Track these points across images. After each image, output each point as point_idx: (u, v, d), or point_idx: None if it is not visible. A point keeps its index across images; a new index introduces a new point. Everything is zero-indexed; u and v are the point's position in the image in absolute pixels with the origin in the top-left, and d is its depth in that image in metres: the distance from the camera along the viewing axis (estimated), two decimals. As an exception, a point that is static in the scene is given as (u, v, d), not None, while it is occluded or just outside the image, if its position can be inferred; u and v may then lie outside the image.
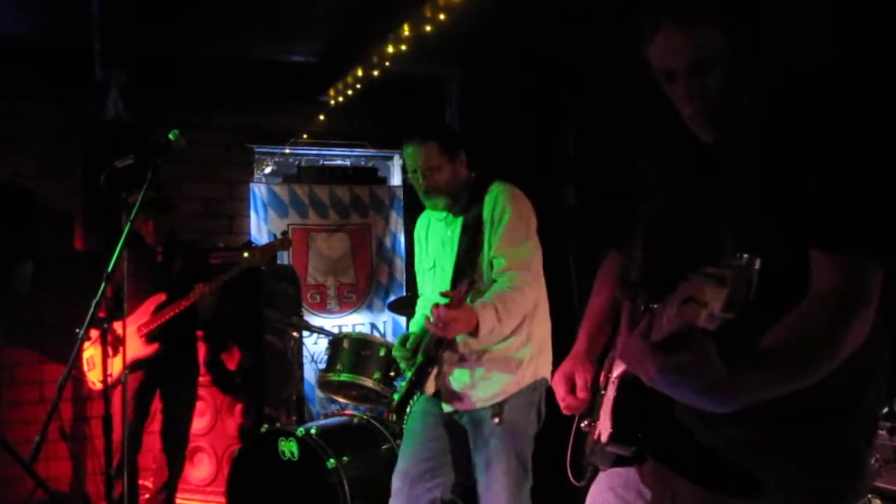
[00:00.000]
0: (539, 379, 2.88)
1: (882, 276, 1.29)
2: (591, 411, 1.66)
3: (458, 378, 2.85)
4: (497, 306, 2.67)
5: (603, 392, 1.61)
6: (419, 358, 2.81)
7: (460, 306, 2.60)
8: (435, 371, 2.83)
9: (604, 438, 1.48)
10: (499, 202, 2.83)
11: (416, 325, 3.12)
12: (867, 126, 1.33)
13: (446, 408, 2.89)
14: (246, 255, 3.95)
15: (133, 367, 3.91)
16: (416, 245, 3.17)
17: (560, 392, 1.70)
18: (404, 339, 2.91)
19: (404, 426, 3.12)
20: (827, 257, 1.30)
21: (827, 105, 1.34)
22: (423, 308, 3.10)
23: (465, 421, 2.88)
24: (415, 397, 2.98)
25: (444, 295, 2.67)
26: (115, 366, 3.64)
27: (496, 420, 2.78)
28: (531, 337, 2.87)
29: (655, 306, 1.30)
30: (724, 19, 1.30)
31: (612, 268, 1.83)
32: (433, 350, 2.79)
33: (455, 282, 2.84)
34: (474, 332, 2.65)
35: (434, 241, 3.04)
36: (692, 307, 1.10)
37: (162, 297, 4.04)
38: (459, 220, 2.92)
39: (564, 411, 1.72)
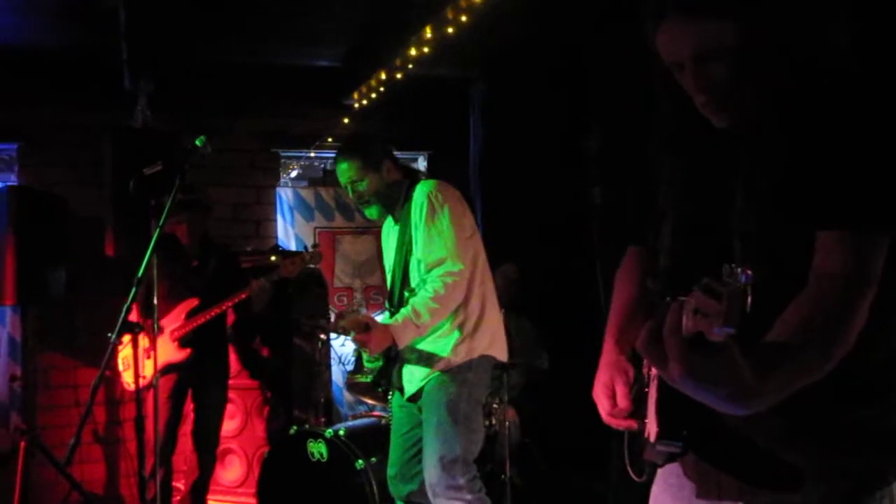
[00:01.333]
0: (475, 357, 3.02)
1: (887, 245, 1.29)
2: (639, 411, 1.65)
3: (404, 370, 3.09)
4: (411, 317, 2.89)
5: (646, 389, 1.60)
6: (380, 360, 3.11)
7: (366, 330, 2.87)
8: (395, 368, 3.12)
9: (652, 438, 1.48)
10: (418, 203, 3.03)
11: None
12: (874, 113, 1.32)
13: (403, 397, 3.12)
14: (283, 265, 3.96)
15: (166, 370, 3.96)
16: (383, 251, 3.39)
17: (605, 405, 1.64)
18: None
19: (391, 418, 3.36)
20: (831, 236, 1.29)
21: (839, 100, 1.34)
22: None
23: (418, 407, 3.08)
24: (390, 393, 3.30)
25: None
26: (148, 368, 3.69)
27: (425, 401, 3.00)
28: (464, 322, 3.02)
29: (671, 301, 1.30)
30: (729, 9, 1.29)
31: (631, 263, 1.81)
32: (386, 351, 3.04)
33: (393, 283, 3.13)
34: (394, 344, 2.91)
35: (388, 249, 3.27)
36: (699, 319, 1.12)
37: (194, 301, 4.07)
38: (398, 226, 3.15)
39: (611, 423, 1.65)
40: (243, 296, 3.95)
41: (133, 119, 4.85)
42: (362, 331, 2.87)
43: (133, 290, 2.93)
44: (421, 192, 3.05)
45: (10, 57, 4.72)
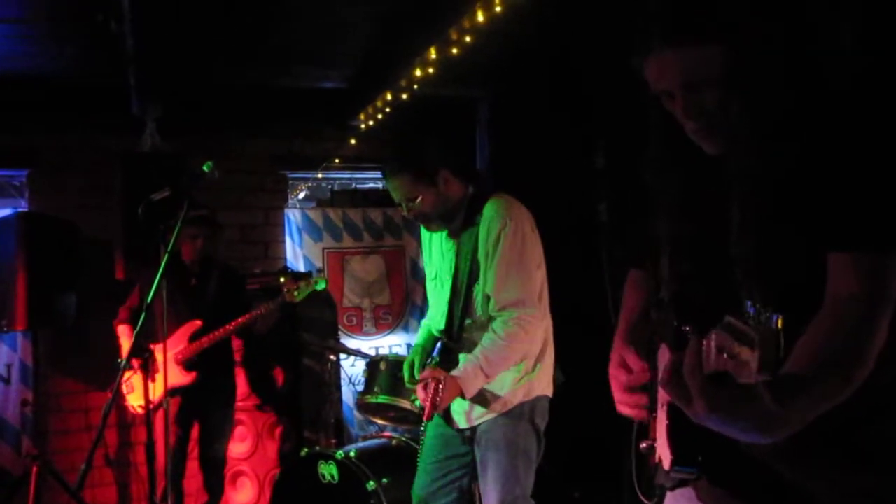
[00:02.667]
0: (534, 398, 2.88)
1: None
2: (646, 432, 1.64)
3: (457, 398, 2.89)
4: (482, 366, 2.68)
5: (654, 414, 1.60)
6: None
7: (439, 392, 2.64)
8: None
9: (666, 466, 1.47)
10: (492, 229, 2.73)
11: (425, 330, 3.15)
12: (877, 129, 1.31)
13: (452, 426, 2.97)
14: (286, 292, 3.97)
15: (171, 393, 3.97)
16: (423, 249, 3.15)
17: (620, 377, 1.62)
18: (411, 369, 2.99)
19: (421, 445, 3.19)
20: (846, 258, 1.29)
21: (840, 118, 1.33)
22: (430, 319, 3.15)
23: (466, 438, 2.96)
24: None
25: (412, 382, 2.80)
26: (154, 391, 3.70)
27: (482, 439, 2.86)
28: (525, 357, 2.85)
29: (688, 329, 1.29)
30: (716, 37, 1.29)
31: (633, 287, 1.81)
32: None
33: (451, 308, 2.86)
34: (462, 396, 2.70)
35: (436, 251, 3.02)
36: (726, 360, 1.11)
37: (197, 323, 4.07)
38: (455, 241, 2.88)
39: (623, 408, 1.63)
40: (246, 318, 3.96)
41: (142, 144, 4.89)
42: (435, 392, 2.63)
43: (143, 315, 2.94)
44: (496, 217, 2.73)
45: (18, 84, 4.76)
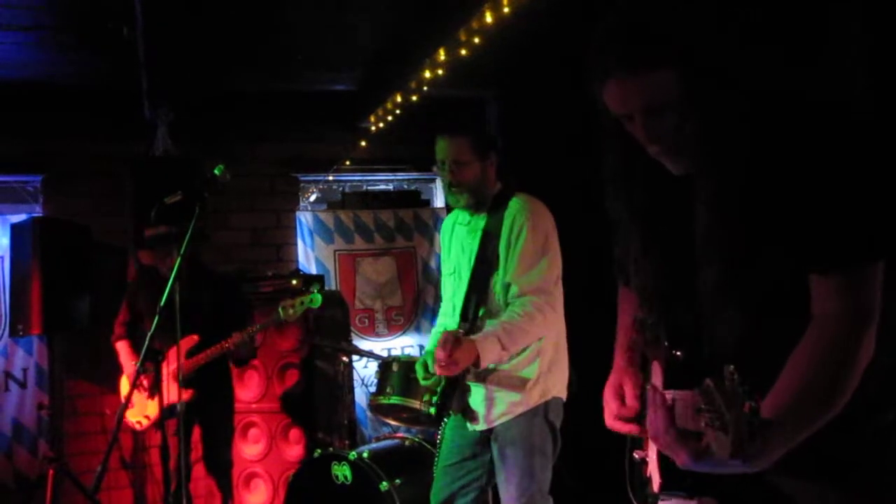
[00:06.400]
0: (549, 399, 2.91)
1: (882, 268, 1.28)
2: (640, 441, 1.65)
3: (475, 398, 2.94)
4: (501, 336, 2.70)
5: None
6: (442, 381, 2.89)
7: (457, 346, 2.64)
8: (458, 391, 2.92)
9: (655, 488, 1.48)
10: (517, 222, 2.84)
11: (436, 336, 3.15)
12: (842, 147, 1.31)
13: (470, 426, 2.98)
14: (280, 311, 3.92)
15: (170, 409, 3.94)
16: (442, 246, 3.20)
17: (613, 406, 1.66)
18: (425, 366, 2.97)
19: (438, 446, 3.18)
20: (823, 279, 1.30)
21: (798, 135, 1.32)
22: (444, 314, 3.17)
23: (484, 438, 2.96)
24: (446, 416, 3.07)
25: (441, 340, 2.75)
26: (150, 408, 3.69)
27: (499, 437, 2.88)
28: (540, 355, 2.89)
29: (678, 353, 1.31)
30: (671, 62, 1.28)
31: (624, 300, 1.84)
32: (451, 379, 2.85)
33: (468, 296, 2.90)
34: (476, 364, 2.70)
35: (455, 246, 3.07)
36: (704, 427, 1.15)
37: (194, 338, 3.94)
38: (479, 231, 2.94)
39: (614, 427, 1.67)
40: (238, 338, 3.91)
41: (154, 148, 4.92)
42: (455, 345, 2.66)
43: (156, 318, 2.96)
44: (521, 211, 2.85)
45: (32, 91, 4.82)
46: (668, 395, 1.30)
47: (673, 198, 1.47)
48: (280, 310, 3.92)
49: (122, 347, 4.23)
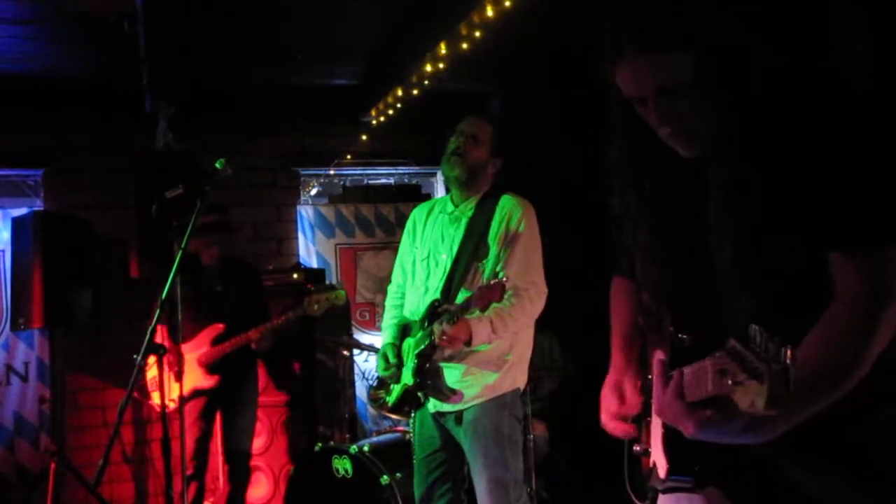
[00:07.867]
0: (515, 389, 3.01)
1: None
2: (639, 436, 1.64)
3: (448, 376, 2.99)
4: (493, 320, 2.85)
5: (648, 419, 1.60)
6: (413, 361, 2.98)
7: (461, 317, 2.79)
8: (428, 377, 3.00)
9: (661, 474, 1.47)
10: (514, 216, 2.99)
11: (394, 328, 3.18)
12: (866, 127, 1.31)
13: (435, 408, 3.02)
14: (308, 303, 3.98)
15: (194, 394, 4.00)
16: (406, 234, 3.27)
17: (612, 405, 1.65)
18: (385, 357, 3.07)
19: (412, 438, 3.24)
20: (845, 258, 1.29)
21: (820, 115, 1.31)
22: (398, 298, 3.24)
23: (451, 421, 3.00)
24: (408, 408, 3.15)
25: (442, 309, 2.88)
26: (175, 391, 3.71)
27: (469, 428, 2.93)
28: (514, 345, 3.00)
29: (685, 337, 1.30)
30: (686, 43, 1.28)
31: (619, 293, 1.82)
32: (429, 350, 2.94)
33: (449, 281, 3.00)
34: (468, 343, 2.84)
35: (433, 233, 3.14)
36: (729, 385, 1.10)
37: (220, 327, 4.07)
38: (464, 219, 3.06)
39: (609, 427, 1.65)
40: (269, 326, 3.97)
41: (155, 142, 4.92)
42: (455, 320, 2.79)
43: (158, 311, 2.96)
44: (516, 206, 3.00)
45: (33, 85, 4.81)
46: (675, 372, 1.29)
47: (683, 186, 1.46)
48: (306, 304, 3.94)
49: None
